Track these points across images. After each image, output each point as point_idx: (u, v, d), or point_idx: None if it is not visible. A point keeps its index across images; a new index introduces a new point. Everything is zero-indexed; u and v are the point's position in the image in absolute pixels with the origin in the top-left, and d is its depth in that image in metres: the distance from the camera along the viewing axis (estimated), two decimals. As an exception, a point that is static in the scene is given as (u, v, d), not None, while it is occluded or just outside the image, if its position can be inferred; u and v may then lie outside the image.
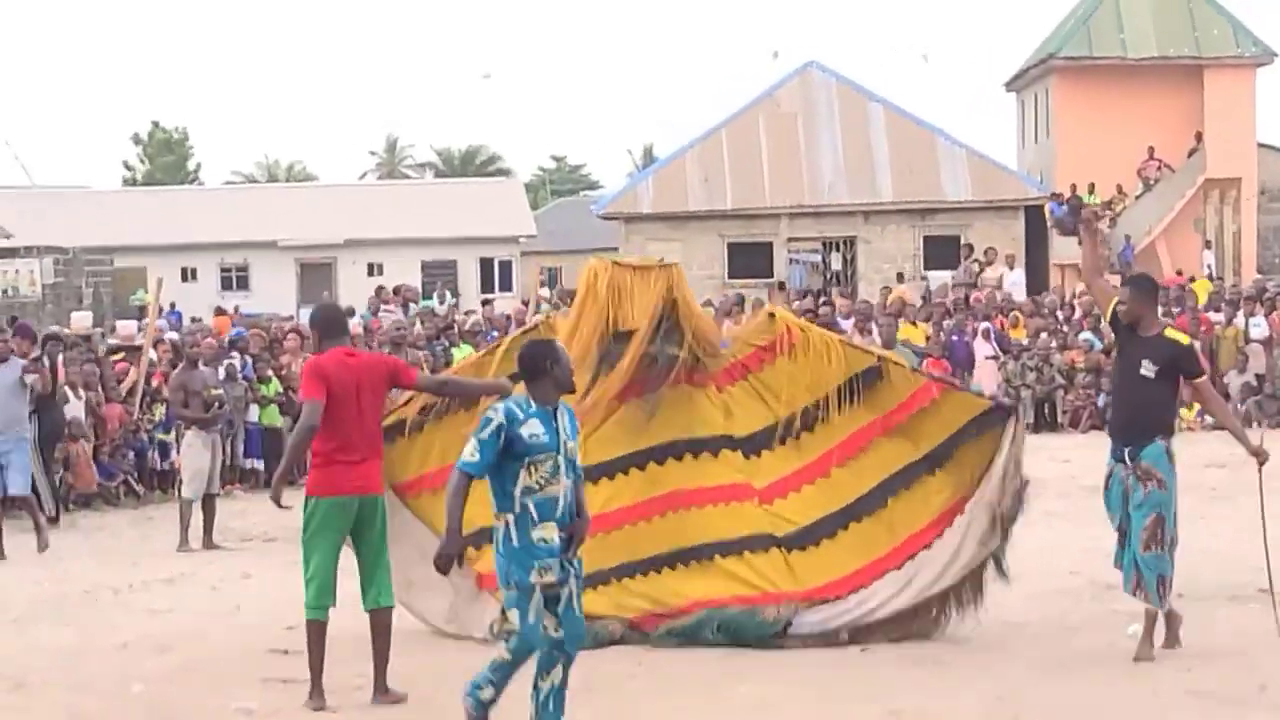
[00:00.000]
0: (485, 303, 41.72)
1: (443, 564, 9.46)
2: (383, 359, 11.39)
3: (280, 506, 11.11)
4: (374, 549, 10.90)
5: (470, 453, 9.20)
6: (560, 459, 9.27)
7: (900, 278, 42.91)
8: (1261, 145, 47.57)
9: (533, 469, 9.20)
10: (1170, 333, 11.80)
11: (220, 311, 42.41)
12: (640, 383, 13.01)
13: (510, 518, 9.26)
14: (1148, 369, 11.52)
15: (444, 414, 13.38)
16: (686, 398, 13.05)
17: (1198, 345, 12.53)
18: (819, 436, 12.89)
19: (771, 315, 13.36)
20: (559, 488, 9.26)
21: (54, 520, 20.84)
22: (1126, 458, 11.62)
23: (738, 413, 13.11)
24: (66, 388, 23.01)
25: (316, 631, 10.90)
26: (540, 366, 9.34)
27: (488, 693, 9.48)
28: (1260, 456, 11.88)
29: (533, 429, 9.24)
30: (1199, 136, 46.53)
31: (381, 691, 10.90)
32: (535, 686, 9.36)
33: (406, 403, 13.76)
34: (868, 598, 12.38)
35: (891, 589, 12.39)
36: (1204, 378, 12.17)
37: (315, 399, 10.78)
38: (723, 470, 12.90)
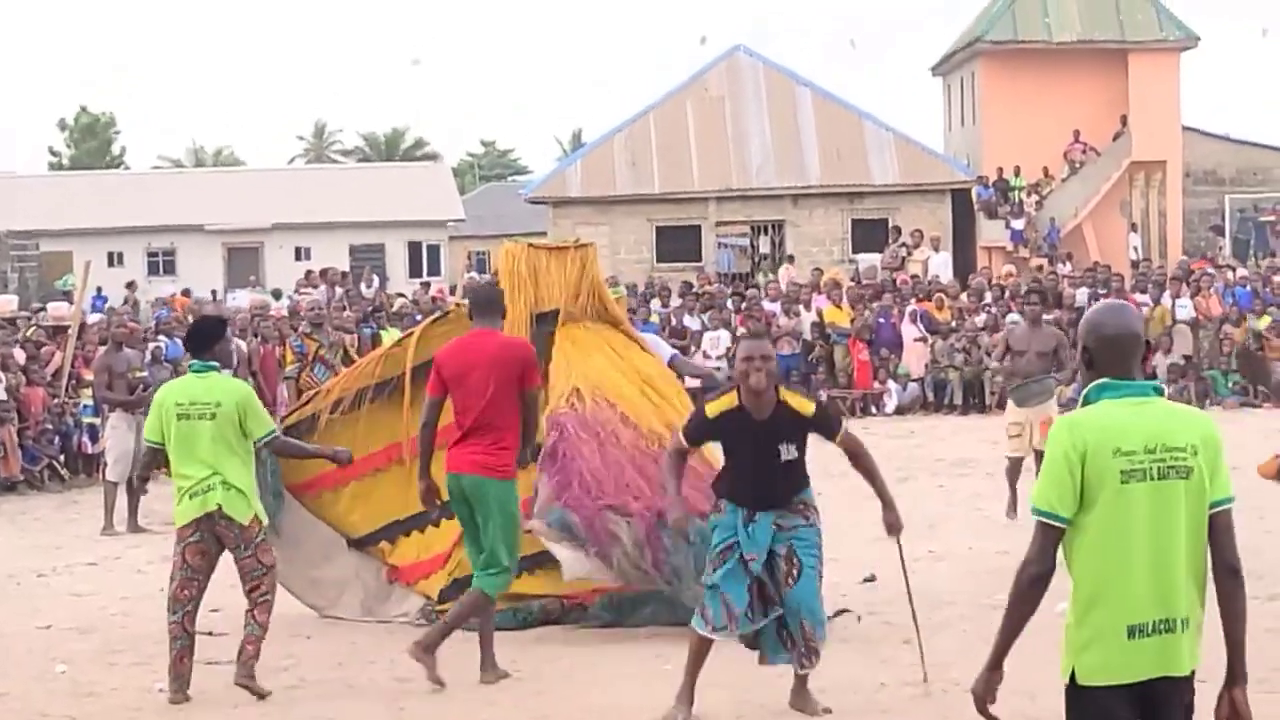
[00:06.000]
0: (424, 285, 41.62)
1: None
2: (520, 352, 11.02)
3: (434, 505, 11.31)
4: (485, 531, 10.79)
5: None
6: None
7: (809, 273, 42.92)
8: (1186, 128, 47.81)
9: None
10: (789, 399, 9.90)
11: (186, 293, 42.33)
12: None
13: None
14: (788, 452, 9.82)
15: (349, 410, 13.35)
16: None
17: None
18: None
19: None
20: None
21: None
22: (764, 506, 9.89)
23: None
24: (-11, 371, 22.87)
25: (476, 603, 10.94)
26: None
27: None
28: (894, 529, 10.26)
29: None
30: (1124, 120, 46.74)
31: (489, 667, 10.81)
32: None
33: (310, 400, 13.73)
34: None
35: None
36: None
37: (431, 396, 10.99)
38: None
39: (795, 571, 9.76)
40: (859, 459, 10.07)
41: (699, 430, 10.11)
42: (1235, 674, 5.70)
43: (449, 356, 10.94)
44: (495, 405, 10.72)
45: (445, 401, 10.91)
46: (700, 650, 9.89)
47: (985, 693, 5.87)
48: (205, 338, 10.68)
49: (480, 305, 11.15)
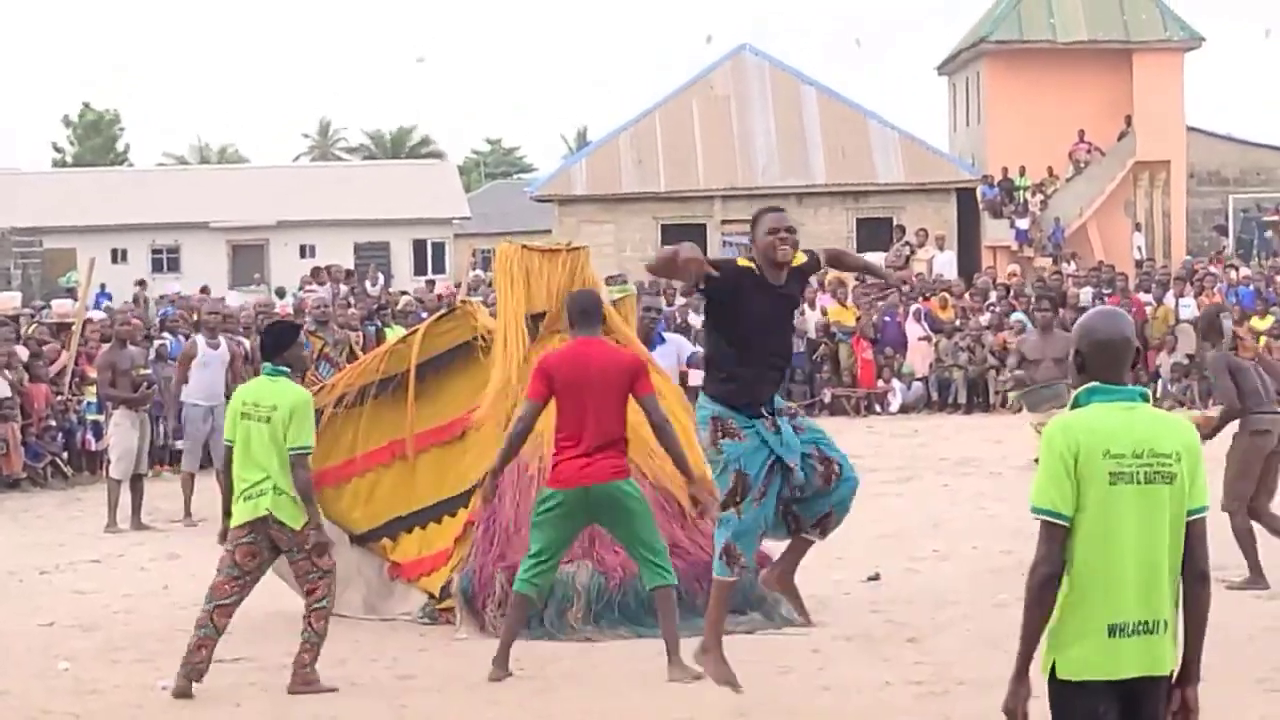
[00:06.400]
0: (429, 283, 41.61)
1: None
2: (628, 360, 10.88)
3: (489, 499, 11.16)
4: (627, 533, 10.71)
5: None
6: None
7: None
8: (1190, 129, 47.79)
9: None
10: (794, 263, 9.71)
11: (205, 290, 42.17)
12: None
13: None
14: (798, 315, 10.09)
15: (352, 405, 13.34)
16: None
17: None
18: None
19: None
20: None
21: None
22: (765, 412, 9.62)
23: None
24: (-8, 368, 22.85)
25: (514, 601, 10.93)
26: None
27: None
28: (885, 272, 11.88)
29: None
30: (1128, 120, 46.72)
31: (678, 666, 10.55)
32: None
33: (314, 395, 13.71)
34: None
35: None
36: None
37: (533, 400, 10.74)
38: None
39: (836, 470, 9.58)
40: (844, 256, 10.70)
41: (726, 266, 9.59)
42: (1190, 674, 5.80)
43: (560, 365, 10.72)
44: (610, 415, 10.58)
45: (545, 407, 10.71)
46: (725, 595, 9.63)
47: (1017, 706, 5.76)
48: (276, 342, 10.87)
49: (580, 315, 10.95)
